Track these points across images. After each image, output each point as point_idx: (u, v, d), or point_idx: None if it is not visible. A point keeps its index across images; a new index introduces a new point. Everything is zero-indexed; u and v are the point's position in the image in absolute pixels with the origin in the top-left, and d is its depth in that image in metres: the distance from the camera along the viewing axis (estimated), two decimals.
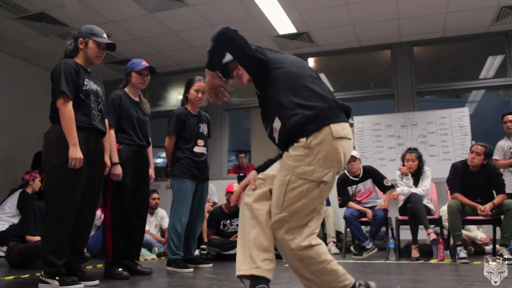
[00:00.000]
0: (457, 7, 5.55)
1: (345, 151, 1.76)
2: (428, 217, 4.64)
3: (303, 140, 1.71)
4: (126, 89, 3.70)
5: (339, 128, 1.75)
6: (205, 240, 5.15)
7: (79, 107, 2.93)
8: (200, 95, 4.03)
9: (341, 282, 1.75)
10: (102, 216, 3.75)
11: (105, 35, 3.11)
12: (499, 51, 6.43)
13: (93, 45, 3.04)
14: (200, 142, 4.04)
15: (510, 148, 5.11)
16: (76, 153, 2.79)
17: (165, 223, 5.79)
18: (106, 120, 3.26)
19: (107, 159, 3.23)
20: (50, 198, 2.87)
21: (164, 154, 7.42)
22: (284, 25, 6.09)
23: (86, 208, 3.02)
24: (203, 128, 4.12)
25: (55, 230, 2.80)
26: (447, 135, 6.06)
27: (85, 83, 2.99)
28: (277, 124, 1.81)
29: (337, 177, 5.55)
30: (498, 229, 4.59)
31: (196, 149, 3.99)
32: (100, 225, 5.00)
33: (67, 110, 2.83)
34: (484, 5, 5.53)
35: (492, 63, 6.55)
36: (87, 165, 2.92)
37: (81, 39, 3.05)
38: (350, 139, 1.79)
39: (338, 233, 5.88)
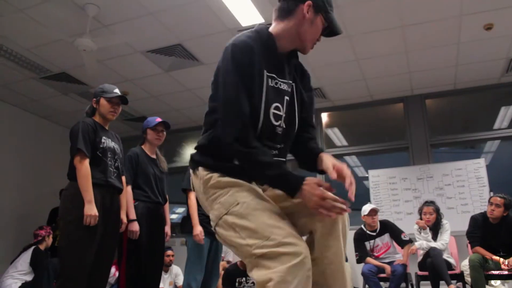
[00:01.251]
0: (466, 60, 5.63)
1: None
2: (449, 272, 4.50)
3: None
4: (143, 147, 3.78)
5: None
6: None
7: (96, 164, 2.99)
8: None
9: None
10: (117, 273, 3.71)
11: (116, 91, 3.21)
12: None
13: (104, 102, 3.16)
14: None
15: None
16: (91, 210, 2.81)
17: (180, 281, 5.68)
18: (123, 177, 3.31)
19: (123, 216, 3.25)
20: (63, 255, 2.87)
21: (178, 210, 7.32)
22: None
23: (101, 266, 3.00)
24: None
25: None
26: (464, 187, 5.97)
27: (103, 140, 3.07)
28: None
29: (353, 232, 5.34)
30: None
31: None
32: (114, 283, 4.93)
33: (83, 168, 2.89)
34: (492, 57, 5.60)
35: (506, 113, 6.54)
36: (102, 222, 2.93)
37: (94, 99, 3.20)
38: None
39: None
